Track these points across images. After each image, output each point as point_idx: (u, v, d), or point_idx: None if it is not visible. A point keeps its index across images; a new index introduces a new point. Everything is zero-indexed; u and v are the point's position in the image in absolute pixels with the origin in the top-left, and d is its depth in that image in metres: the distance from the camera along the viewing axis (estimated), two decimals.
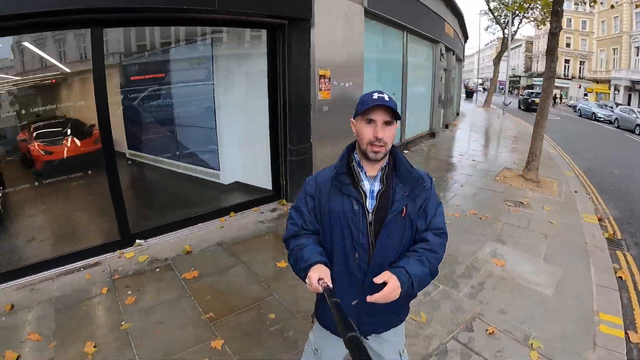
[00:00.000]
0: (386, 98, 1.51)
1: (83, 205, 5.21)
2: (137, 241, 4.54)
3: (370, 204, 1.60)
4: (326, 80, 5.54)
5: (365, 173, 1.63)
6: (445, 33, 12.37)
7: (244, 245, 4.57)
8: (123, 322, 3.33)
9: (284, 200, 5.73)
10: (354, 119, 1.63)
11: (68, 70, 4.75)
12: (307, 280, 1.50)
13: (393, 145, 1.63)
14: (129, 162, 5.68)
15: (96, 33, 4.01)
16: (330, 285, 1.44)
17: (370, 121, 1.53)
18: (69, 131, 5.14)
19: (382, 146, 1.53)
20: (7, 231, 4.93)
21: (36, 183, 4.62)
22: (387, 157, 1.63)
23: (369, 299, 1.47)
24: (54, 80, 4.96)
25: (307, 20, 5.16)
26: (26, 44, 4.53)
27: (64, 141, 4.94)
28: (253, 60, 5.72)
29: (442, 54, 12.30)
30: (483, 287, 3.86)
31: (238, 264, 4.14)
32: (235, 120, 6.01)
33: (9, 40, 4.37)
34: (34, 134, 5.16)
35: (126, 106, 5.53)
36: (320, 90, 5.48)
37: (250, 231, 4.90)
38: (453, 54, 15.26)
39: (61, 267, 4.20)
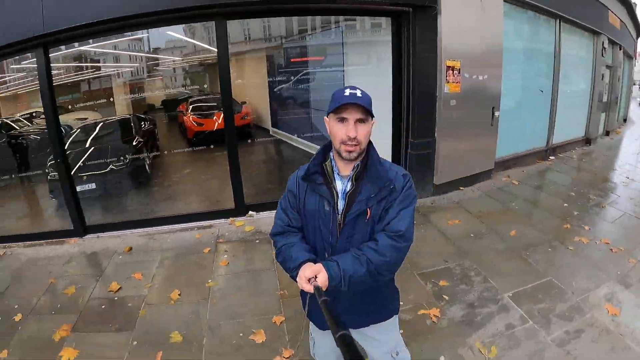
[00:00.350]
0: (358, 94, 1.42)
1: (216, 174, 5.81)
2: (250, 212, 4.92)
3: (341, 204, 1.55)
4: (455, 72, 5.07)
5: (339, 172, 1.56)
6: (608, 23, 10.01)
7: None
8: (210, 280, 3.76)
9: None
10: (327, 116, 1.54)
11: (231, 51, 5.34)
12: (297, 280, 1.45)
13: (370, 143, 1.55)
14: (271, 138, 6.21)
15: (220, 25, 4.45)
16: (319, 284, 1.39)
17: (342, 119, 1.45)
18: (221, 107, 5.96)
19: (356, 145, 1.45)
20: (149, 188, 5.94)
21: (184, 149, 5.50)
22: (361, 155, 1.53)
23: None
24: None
25: (432, 7, 4.79)
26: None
27: (215, 115, 5.69)
28: (378, 48, 5.55)
29: (604, 48, 9.92)
30: (579, 336, 2.97)
31: None
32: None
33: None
34: (190, 107, 6.13)
35: (270, 88, 6.07)
36: (448, 82, 5.05)
37: None
38: (620, 49, 12.28)
39: (181, 224, 4.93)
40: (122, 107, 6.59)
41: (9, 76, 5.80)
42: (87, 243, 5.07)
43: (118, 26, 4.46)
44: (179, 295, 3.60)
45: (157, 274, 4.04)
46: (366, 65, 5.93)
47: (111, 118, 6.57)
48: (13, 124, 7.32)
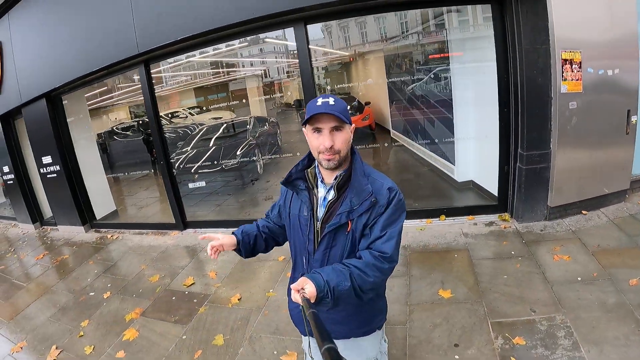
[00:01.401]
0: (331, 102, 1.35)
1: None
2: None
3: (321, 212, 1.48)
4: (575, 66, 3.93)
5: (323, 180, 1.50)
6: None
7: (426, 257, 3.87)
8: (271, 290, 3.72)
9: (507, 216, 4.42)
10: (304, 127, 1.47)
11: (346, 54, 5.25)
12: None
13: (354, 151, 1.49)
14: (391, 140, 5.88)
15: (299, 29, 4.30)
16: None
17: (317, 130, 1.39)
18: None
19: (334, 154, 1.39)
20: (256, 188, 6.06)
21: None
22: (347, 164, 1.46)
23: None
24: (351, 59, 5.74)
25: None
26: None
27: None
28: (482, 42, 4.61)
29: None
30: None
31: (403, 276, 3.56)
32: (470, 111, 5.07)
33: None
34: None
35: (390, 90, 5.76)
36: (565, 80, 3.93)
37: (445, 242, 4.08)
38: None
39: None
40: (255, 108, 6.88)
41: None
42: (184, 237, 5.51)
43: (203, 41, 4.71)
44: (238, 299, 3.64)
45: (229, 275, 4.15)
46: (469, 63, 5.05)
47: (233, 119, 6.92)
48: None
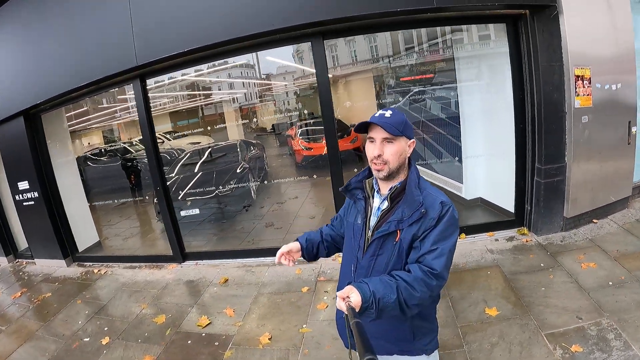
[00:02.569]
0: (387, 115, 1.41)
1: (323, 200, 5.37)
2: None
3: (374, 220, 1.51)
4: (585, 82, 3.97)
5: (379, 191, 1.54)
6: None
7: (459, 276, 3.72)
8: (304, 325, 3.29)
9: (526, 229, 4.40)
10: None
11: (330, 75, 5.06)
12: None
13: (411, 164, 1.51)
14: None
15: (316, 45, 4.05)
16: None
17: (371, 139, 1.45)
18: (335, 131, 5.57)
19: (383, 164, 1.43)
20: (252, 214, 5.64)
21: (294, 178, 5.18)
22: (402, 176, 1.50)
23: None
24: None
25: (552, 7, 3.78)
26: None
27: (323, 139, 5.38)
28: (495, 59, 4.64)
29: None
30: None
31: (443, 297, 3.35)
32: (479, 129, 5.05)
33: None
34: (299, 131, 5.85)
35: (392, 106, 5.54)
36: (578, 95, 3.96)
37: (473, 260, 3.97)
38: None
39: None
40: (233, 132, 6.53)
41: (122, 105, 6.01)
42: (184, 270, 4.92)
43: (206, 55, 4.31)
44: (269, 339, 3.20)
45: (250, 312, 3.67)
46: (480, 79, 5.02)
47: (220, 143, 6.53)
48: (129, 148, 7.69)
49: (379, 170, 1.44)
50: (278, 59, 5.47)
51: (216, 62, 4.96)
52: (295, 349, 3.02)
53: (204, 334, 3.43)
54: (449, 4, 3.65)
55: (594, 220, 4.32)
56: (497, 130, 4.69)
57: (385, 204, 1.49)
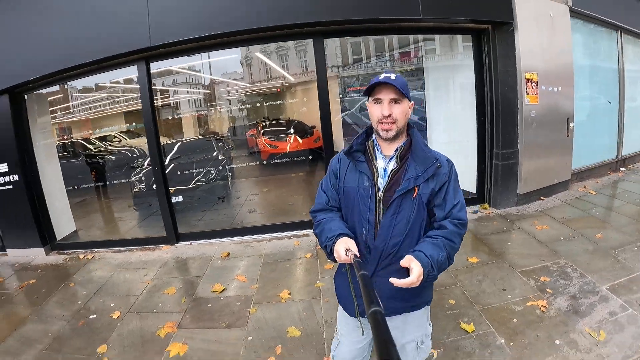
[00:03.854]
0: (392, 77, 1.44)
1: (297, 190, 5.86)
2: None
3: (382, 182, 1.54)
4: (533, 84, 4.97)
5: (382, 152, 1.57)
6: None
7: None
8: (318, 281, 3.69)
9: (487, 205, 5.37)
10: (367, 102, 1.57)
11: (292, 80, 5.46)
12: (334, 254, 1.46)
13: (411, 125, 1.58)
14: None
15: (318, 43, 4.54)
16: (358, 254, 1.38)
17: (378, 100, 1.49)
18: (292, 130, 6.02)
19: (392, 123, 1.47)
20: (233, 203, 5.94)
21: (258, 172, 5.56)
22: (404, 136, 1.57)
23: (396, 283, 1.34)
24: (278, 90, 5.98)
25: (509, 24, 4.82)
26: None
27: (287, 138, 5.76)
28: (459, 65, 5.57)
29: None
30: None
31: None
32: (443, 125, 5.95)
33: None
34: (262, 131, 6.24)
35: (343, 113, 6.10)
36: (528, 94, 4.96)
37: None
38: None
39: (274, 233, 4.91)
40: (191, 132, 6.67)
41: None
42: (180, 249, 5.03)
43: (216, 43, 4.54)
44: (289, 294, 3.54)
45: (261, 277, 3.98)
46: (445, 81, 5.93)
47: (190, 138, 6.71)
48: (87, 145, 7.64)
49: (387, 130, 1.47)
50: (266, 58, 5.84)
51: (161, 66, 5.16)
52: (317, 299, 3.42)
53: (222, 298, 3.64)
54: (431, 16, 4.43)
55: (541, 198, 5.44)
56: (461, 126, 5.60)
57: (392, 164, 1.53)
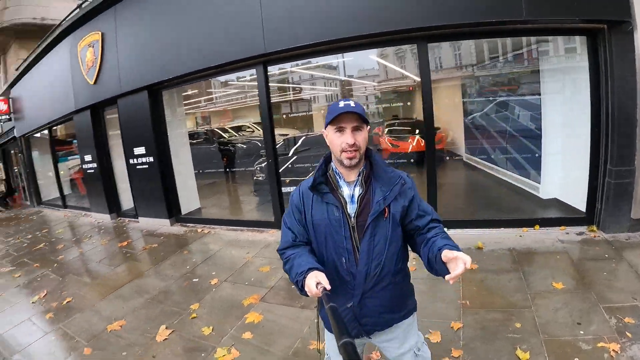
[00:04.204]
0: (352, 105, 1.47)
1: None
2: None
3: (351, 208, 1.56)
4: None
5: (344, 179, 1.58)
6: None
7: (531, 257, 4.25)
8: None
9: (595, 227, 4.80)
10: (325, 129, 1.58)
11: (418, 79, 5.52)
12: (305, 288, 1.44)
13: (369, 148, 1.59)
14: (464, 164, 6.16)
15: (421, 48, 4.59)
16: (329, 288, 1.37)
17: (340, 129, 1.49)
18: (416, 131, 6.11)
19: (355, 151, 1.49)
20: None
21: None
22: (364, 161, 1.57)
23: (452, 276, 1.35)
24: (410, 88, 6.05)
25: (627, 23, 4.16)
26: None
27: (410, 139, 5.87)
28: (575, 68, 5.04)
29: None
30: None
31: (516, 271, 3.95)
32: (558, 135, 5.48)
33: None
34: (386, 129, 6.40)
35: (466, 115, 6.05)
36: None
37: (544, 247, 4.46)
38: None
39: None
40: (320, 126, 7.08)
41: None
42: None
43: (324, 49, 4.92)
44: None
45: None
46: (560, 88, 5.41)
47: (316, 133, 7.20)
48: (222, 133, 8.66)
49: (351, 158, 1.49)
50: (384, 60, 6.03)
51: (299, 62, 5.63)
52: None
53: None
54: (537, 16, 4.16)
55: None
56: (573, 136, 5.10)
57: (358, 190, 1.56)
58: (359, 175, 1.57)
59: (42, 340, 3.67)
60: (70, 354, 3.37)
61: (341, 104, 1.49)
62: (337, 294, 1.55)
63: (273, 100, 5.66)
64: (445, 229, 1.61)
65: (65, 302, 4.39)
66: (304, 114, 7.22)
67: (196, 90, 7.24)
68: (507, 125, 5.85)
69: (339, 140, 1.50)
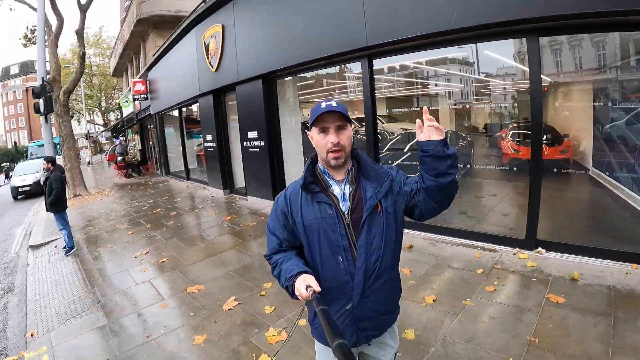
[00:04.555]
0: (334, 104, 1.49)
1: (517, 201, 5.38)
2: (539, 248, 4.37)
3: (344, 206, 1.56)
4: None
5: (334, 178, 1.59)
6: None
7: (631, 301, 3.45)
8: (468, 299, 3.52)
9: None
10: (309, 131, 1.59)
11: (549, 80, 4.89)
12: (296, 292, 1.43)
13: (354, 148, 1.60)
14: (589, 179, 5.38)
15: (531, 42, 4.02)
16: (318, 290, 1.36)
17: (324, 129, 1.51)
18: (544, 136, 5.44)
19: (340, 150, 1.50)
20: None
21: (492, 168, 5.38)
22: (350, 160, 1.59)
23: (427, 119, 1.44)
24: (545, 89, 5.32)
25: None
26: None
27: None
28: None
29: None
30: None
31: (607, 315, 3.22)
32: None
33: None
34: (510, 132, 5.91)
35: (601, 122, 5.22)
36: None
37: None
38: None
39: (464, 239, 4.82)
40: (445, 124, 6.85)
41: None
42: None
43: (431, 42, 4.65)
44: (433, 300, 3.56)
45: (424, 275, 4.10)
46: None
47: None
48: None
49: (337, 158, 1.51)
50: (499, 55, 5.49)
51: (434, 56, 5.19)
52: (453, 315, 3.28)
53: None
54: None
55: None
56: None
57: (348, 188, 1.58)
58: (347, 173, 1.59)
59: (133, 289, 4.41)
60: (150, 305, 3.97)
61: (323, 104, 1.51)
62: (335, 298, 1.57)
63: (398, 93, 5.60)
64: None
65: (160, 261, 5.05)
66: (431, 108, 6.94)
67: (313, 81, 7.47)
68: None
69: (324, 141, 1.51)
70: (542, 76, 4.21)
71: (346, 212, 1.55)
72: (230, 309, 3.66)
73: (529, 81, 4.21)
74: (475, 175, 5.65)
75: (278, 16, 6.18)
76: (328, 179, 1.60)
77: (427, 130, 1.43)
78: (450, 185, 1.49)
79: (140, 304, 4.02)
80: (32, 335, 3.75)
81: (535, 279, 3.78)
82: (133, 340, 3.37)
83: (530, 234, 4.34)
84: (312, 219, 1.56)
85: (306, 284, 1.39)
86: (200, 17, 8.50)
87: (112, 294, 4.36)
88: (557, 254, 4.22)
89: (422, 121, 1.46)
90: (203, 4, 8.20)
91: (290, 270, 1.52)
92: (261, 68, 6.59)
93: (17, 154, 39.86)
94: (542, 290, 3.58)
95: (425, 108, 1.51)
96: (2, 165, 37.90)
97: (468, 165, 5.76)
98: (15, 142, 46.97)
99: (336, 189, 1.58)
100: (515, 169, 5.10)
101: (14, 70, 58.50)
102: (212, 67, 8.12)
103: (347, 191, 1.57)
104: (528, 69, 4.16)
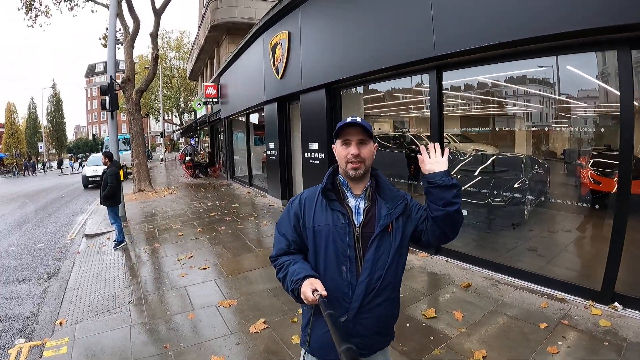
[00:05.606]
0: (358, 120, 1.60)
1: (593, 243, 4.92)
2: (616, 303, 3.80)
3: (357, 219, 1.63)
4: None
5: (351, 192, 1.68)
6: None
7: None
8: (531, 358, 3.14)
9: None
10: (334, 144, 1.70)
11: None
12: (302, 296, 1.47)
13: (374, 168, 1.71)
14: None
15: (623, 55, 3.48)
16: (325, 294, 1.40)
17: (346, 142, 1.62)
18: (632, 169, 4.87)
19: (360, 162, 1.59)
20: (518, 234, 5.46)
21: (570, 203, 4.86)
22: (369, 177, 1.69)
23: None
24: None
25: None
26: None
27: (616, 176, 4.77)
28: None
29: None
30: None
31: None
32: None
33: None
34: (591, 161, 5.32)
35: None
36: None
37: None
38: None
39: (530, 283, 4.40)
40: (520, 147, 6.45)
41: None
42: (433, 262, 5.31)
43: (505, 53, 4.31)
44: (483, 357, 3.17)
45: (478, 324, 3.70)
46: None
47: (504, 154, 6.50)
48: (414, 139, 8.61)
49: (356, 169, 1.61)
50: (580, 71, 4.96)
51: (508, 70, 4.87)
52: None
53: (424, 324, 3.66)
54: None
55: None
56: None
57: (363, 203, 1.66)
58: (365, 189, 1.68)
59: (167, 294, 4.57)
60: (178, 313, 4.08)
61: (348, 119, 1.63)
62: (332, 307, 1.53)
63: (473, 111, 5.43)
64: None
65: (201, 268, 5.19)
66: (506, 130, 6.50)
67: (382, 94, 7.37)
68: None
69: (344, 152, 1.63)
70: (634, 96, 3.69)
71: (358, 225, 1.63)
72: (257, 332, 3.61)
73: (619, 103, 3.67)
74: (550, 206, 5.10)
75: (343, 25, 6.19)
76: (346, 190, 1.70)
77: (430, 164, 1.60)
78: (457, 214, 1.58)
79: (169, 311, 4.16)
80: (60, 323, 4.06)
81: (607, 343, 3.29)
82: (149, 349, 3.46)
83: (608, 284, 3.82)
84: (323, 225, 1.65)
85: (313, 288, 1.44)
86: (268, 24, 8.84)
87: (145, 295, 4.56)
88: (637, 313, 3.67)
89: (426, 153, 1.63)
90: (271, 11, 8.49)
91: (297, 273, 1.56)
92: (325, 77, 6.62)
93: (96, 145, 44.15)
94: (614, 357, 3.11)
95: (431, 144, 1.64)
96: (79, 155, 41.98)
97: (542, 197, 5.28)
98: (94, 134, 52.16)
99: (352, 202, 1.68)
100: (596, 205, 4.56)
101: (99, 68, 67.50)
102: (278, 74, 8.35)
103: (362, 206, 1.66)
104: (616, 90, 3.66)
